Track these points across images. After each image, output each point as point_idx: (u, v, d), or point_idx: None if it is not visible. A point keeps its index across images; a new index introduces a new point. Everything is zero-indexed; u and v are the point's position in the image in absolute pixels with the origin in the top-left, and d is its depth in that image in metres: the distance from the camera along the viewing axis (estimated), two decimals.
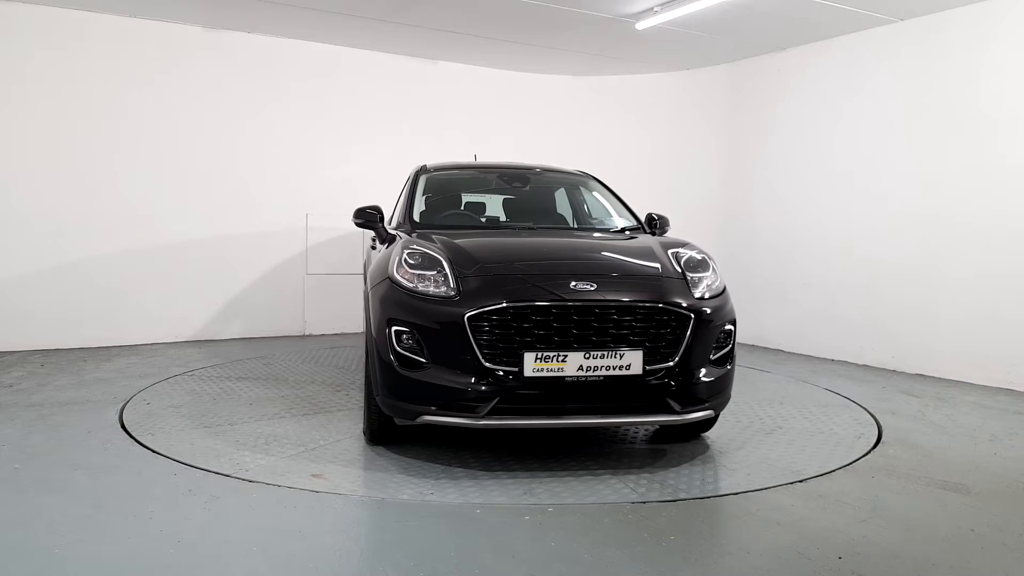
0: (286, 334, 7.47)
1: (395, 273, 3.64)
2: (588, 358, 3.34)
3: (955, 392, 5.49)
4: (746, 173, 7.76)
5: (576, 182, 5.35)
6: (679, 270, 3.76)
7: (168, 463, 3.59)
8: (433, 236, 3.97)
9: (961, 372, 5.88)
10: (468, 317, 3.33)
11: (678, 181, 8.34)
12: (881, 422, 4.58)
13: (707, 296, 3.67)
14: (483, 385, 3.32)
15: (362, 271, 6.32)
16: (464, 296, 3.41)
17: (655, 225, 4.76)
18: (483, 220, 5.08)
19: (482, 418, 3.34)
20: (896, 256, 6.33)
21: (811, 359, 6.84)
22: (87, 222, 6.62)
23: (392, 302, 3.56)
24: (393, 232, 4.44)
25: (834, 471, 3.66)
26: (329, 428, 4.25)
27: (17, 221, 6.37)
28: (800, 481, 3.50)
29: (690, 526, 2.97)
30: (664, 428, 4.27)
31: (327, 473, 3.49)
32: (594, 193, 5.26)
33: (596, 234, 4.67)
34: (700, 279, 3.74)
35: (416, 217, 4.58)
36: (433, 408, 3.41)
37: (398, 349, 3.49)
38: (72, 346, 6.59)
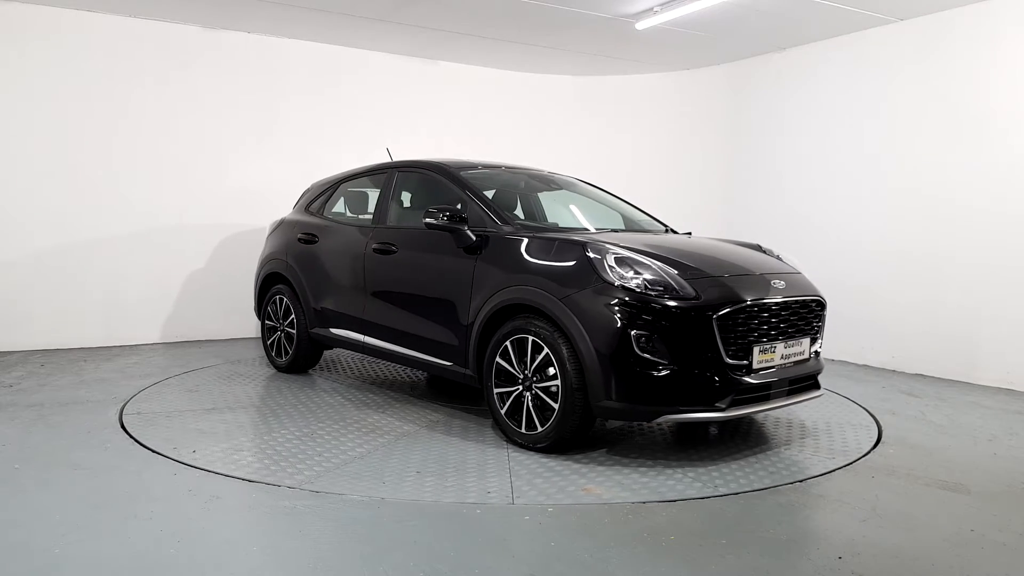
0: None
1: (611, 277, 3.59)
2: (786, 347, 3.87)
3: (955, 392, 5.49)
4: (746, 173, 7.76)
5: (582, 184, 5.40)
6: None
7: (168, 463, 3.59)
8: (598, 239, 3.92)
9: (961, 372, 5.88)
10: (716, 317, 3.55)
11: (677, 181, 8.34)
12: (881, 422, 4.58)
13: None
14: (724, 380, 3.57)
15: (281, 270, 5.66)
16: (705, 297, 3.59)
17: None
18: (562, 222, 4.94)
19: (724, 411, 3.59)
20: (896, 256, 6.33)
21: None
22: (87, 222, 6.61)
23: (622, 307, 3.52)
24: (483, 232, 4.20)
25: (834, 471, 3.66)
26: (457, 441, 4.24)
27: (18, 221, 6.36)
28: (800, 481, 3.51)
29: (690, 526, 2.97)
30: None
31: (595, 486, 3.38)
32: (609, 196, 5.36)
33: (677, 233, 4.95)
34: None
35: (501, 216, 4.31)
36: (678, 406, 3.55)
37: (639, 353, 3.49)
38: (72, 346, 6.58)
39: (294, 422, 4.34)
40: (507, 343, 3.92)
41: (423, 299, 4.55)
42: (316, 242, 5.45)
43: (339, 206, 5.70)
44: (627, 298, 3.53)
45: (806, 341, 3.99)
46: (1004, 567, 2.67)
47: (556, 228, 4.51)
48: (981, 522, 3.05)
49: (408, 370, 5.87)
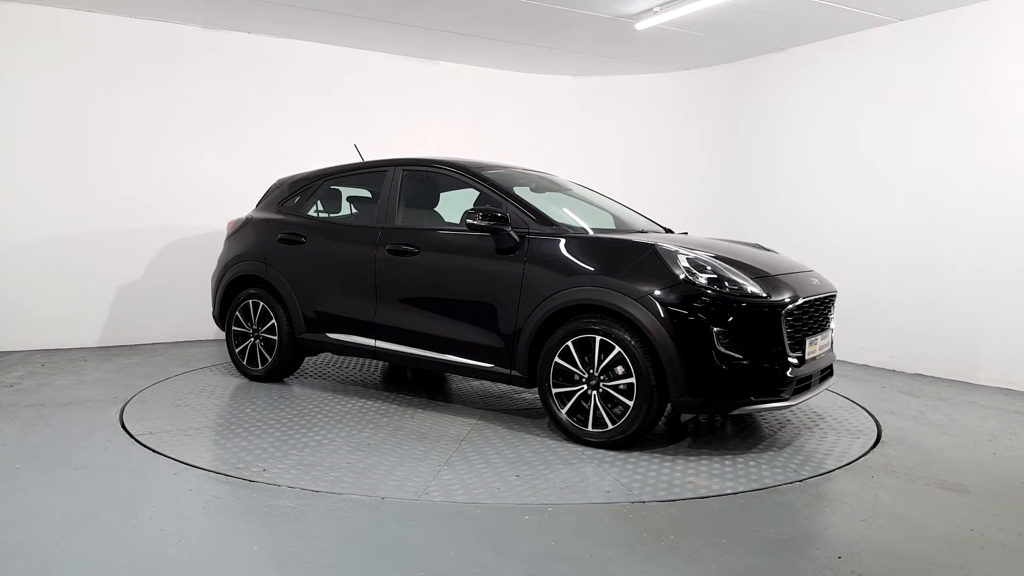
0: None
1: (687, 277, 3.72)
2: (821, 339, 4.14)
3: (955, 392, 5.49)
4: (746, 173, 7.76)
5: (577, 187, 5.41)
6: None
7: (168, 463, 3.59)
8: (660, 240, 4.08)
9: (961, 372, 5.88)
10: (784, 312, 3.77)
11: (678, 181, 8.34)
12: (881, 422, 4.58)
13: None
14: (787, 371, 3.77)
15: (252, 271, 5.32)
16: (772, 294, 3.80)
17: None
18: (582, 222, 4.85)
19: (788, 399, 3.82)
20: (896, 256, 6.33)
21: None
22: (87, 221, 6.61)
23: (702, 305, 3.65)
24: (524, 233, 4.16)
25: (834, 471, 3.66)
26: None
27: (18, 220, 6.36)
28: (799, 481, 3.51)
29: (690, 526, 2.97)
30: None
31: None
32: (605, 198, 5.37)
33: (674, 233, 5.01)
34: None
35: (541, 217, 4.27)
36: (751, 398, 3.72)
37: (720, 349, 3.63)
38: (72, 346, 6.59)
39: (336, 432, 4.13)
40: (569, 343, 3.93)
41: (456, 302, 4.38)
42: (303, 243, 5.13)
43: (326, 205, 5.43)
44: (706, 297, 3.66)
45: (830, 333, 4.32)
46: (1004, 567, 2.67)
47: (601, 229, 4.43)
48: (981, 522, 3.06)
49: (377, 370, 5.87)
